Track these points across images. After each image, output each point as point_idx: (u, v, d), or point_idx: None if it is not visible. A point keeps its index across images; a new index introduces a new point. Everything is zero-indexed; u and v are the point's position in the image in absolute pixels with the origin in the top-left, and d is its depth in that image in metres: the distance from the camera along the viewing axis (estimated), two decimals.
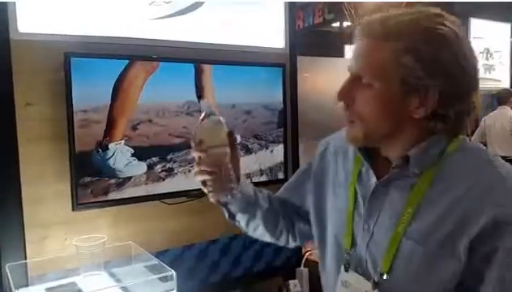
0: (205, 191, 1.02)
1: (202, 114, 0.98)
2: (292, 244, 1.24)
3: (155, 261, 1.87)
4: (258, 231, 1.17)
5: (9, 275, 1.72)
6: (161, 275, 1.76)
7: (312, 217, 1.13)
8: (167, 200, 2.10)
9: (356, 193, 0.99)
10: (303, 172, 1.21)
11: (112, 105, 1.90)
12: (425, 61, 0.83)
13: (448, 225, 0.84)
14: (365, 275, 0.94)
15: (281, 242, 1.22)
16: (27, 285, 1.81)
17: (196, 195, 2.13)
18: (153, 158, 2.03)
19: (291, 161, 2.50)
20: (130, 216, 2.07)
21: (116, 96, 1.91)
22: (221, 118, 0.99)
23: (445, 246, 0.84)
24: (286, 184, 1.25)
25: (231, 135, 1.00)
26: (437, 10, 0.88)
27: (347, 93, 0.90)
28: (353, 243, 0.97)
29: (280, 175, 2.39)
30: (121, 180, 1.94)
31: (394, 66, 0.84)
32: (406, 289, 0.89)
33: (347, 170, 1.05)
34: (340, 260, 1.00)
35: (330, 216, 1.07)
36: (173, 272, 1.72)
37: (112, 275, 1.90)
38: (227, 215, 1.13)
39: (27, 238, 1.84)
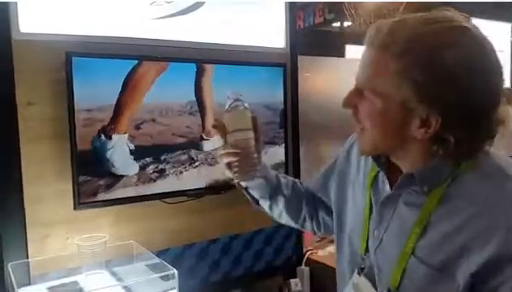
0: (229, 174, 1.05)
1: (229, 101, 1.04)
2: (318, 233, 1.27)
3: (157, 260, 1.88)
4: (283, 217, 1.21)
5: (11, 274, 1.72)
6: (162, 274, 1.77)
7: (333, 212, 1.15)
8: (168, 200, 2.10)
9: (370, 198, 0.99)
10: (329, 167, 1.22)
11: (120, 99, 1.92)
12: (426, 88, 0.76)
13: (450, 248, 0.81)
14: (373, 282, 0.94)
15: (307, 229, 1.25)
16: (29, 284, 1.82)
17: (197, 194, 2.14)
18: (147, 158, 2.02)
19: (291, 161, 2.50)
20: (132, 216, 2.08)
21: (125, 90, 1.93)
22: (246, 104, 1.05)
23: (445, 268, 0.82)
24: (316, 177, 1.26)
25: (254, 119, 1.05)
26: (462, 20, 0.78)
27: (351, 102, 0.88)
28: (367, 248, 0.98)
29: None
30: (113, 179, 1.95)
31: (395, 88, 0.79)
32: None
33: (365, 172, 1.05)
34: (353, 262, 1.01)
35: (348, 214, 1.08)
36: (175, 271, 1.73)
37: (113, 274, 1.90)
38: (250, 199, 1.17)
39: (29, 237, 1.85)
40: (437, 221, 0.83)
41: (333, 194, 1.16)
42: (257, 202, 1.18)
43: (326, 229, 1.24)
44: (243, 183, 1.12)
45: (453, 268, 0.81)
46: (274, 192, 1.15)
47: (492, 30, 5.78)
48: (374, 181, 0.99)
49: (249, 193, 1.16)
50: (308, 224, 1.24)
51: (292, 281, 2.54)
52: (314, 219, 1.23)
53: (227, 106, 1.04)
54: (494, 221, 0.77)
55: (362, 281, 0.96)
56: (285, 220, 1.22)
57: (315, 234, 1.29)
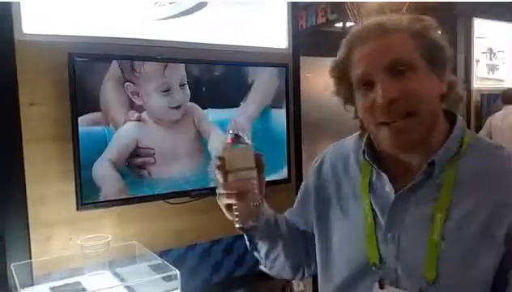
0: (229, 216, 0.98)
1: (229, 136, 0.95)
2: (306, 275, 1.18)
3: (159, 261, 1.88)
4: (278, 262, 1.11)
5: (14, 274, 1.72)
6: (165, 274, 1.77)
7: (316, 236, 1.09)
8: (171, 200, 2.10)
9: (371, 205, 0.96)
10: (302, 195, 1.16)
11: None
12: (431, 38, 0.89)
13: (481, 217, 0.85)
14: (400, 287, 0.90)
15: (298, 275, 1.17)
16: (32, 285, 1.82)
17: (199, 194, 2.14)
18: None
19: (294, 161, 2.50)
20: (134, 216, 2.08)
21: None
22: (250, 142, 0.95)
23: (481, 237, 0.84)
24: (290, 210, 1.19)
25: (259, 157, 0.95)
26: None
27: (395, 89, 0.85)
28: (380, 257, 0.92)
29: (284, 175, 2.40)
30: None
31: (419, 61, 0.87)
32: (453, 290, 0.87)
33: (353, 182, 1.02)
34: (365, 279, 0.94)
35: (337, 231, 1.03)
36: (177, 272, 1.73)
37: (116, 274, 1.90)
38: (248, 244, 1.08)
39: (32, 238, 1.85)
40: (458, 198, 0.87)
41: (313, 213, 1.10)
42: (255, 246, 1.08)
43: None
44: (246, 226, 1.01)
45: (489, 233, 0.84)
46: (274, 233, 1.06)
47: (495, 30, 5.76)
48: (370, 187, 0.97)
49: (250, 235, 1.06)
50: (301, 267, 1.15)
51: (294, 282, 2.53)
52: (308, 257, 1.14)
53: (228, 141, 0.95)
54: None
55: None
56: (279, 264, 1.11)
57: (304, 276, 1.18)
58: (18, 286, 1.68)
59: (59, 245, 1.91)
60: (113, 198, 1.93)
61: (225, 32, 2.31)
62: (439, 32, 0.91)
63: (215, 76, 2.20)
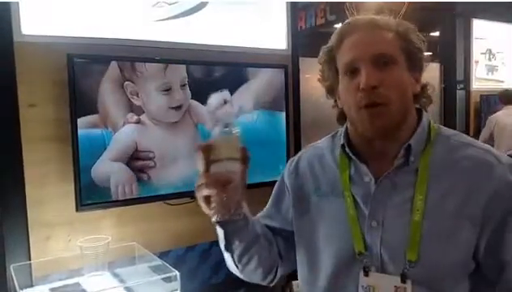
0: (206, 209, 0.94)
1: (219, 127, 0.96)
2: (277, 279, 1.18)
3: (159, 262, 1.88)
4: (251, 265, 1.09)
5: (14, 275, 1.73)
6: (165, 275, 1.77)
7: (296, 234, 1.09)
8: (170, 201, 2.10)
9: (353, 197, 0.99)
10: (278, 195, 1.17)
11: None
12: (413, 40, 0.98)
13: (458, 196, 0.92)
14: (386, 272, 0.94)
15: (269, 278, 1.16)
16: (31, 286, 1.82)
17: None
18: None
19: None
20: (134, 217, 2.08)
21: None
22: (237, 131, 0.92)
23: (460, 214, 0.91)
24: (262, 213, 1.19)
25: (244, 151, 0.93)
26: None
27: (376, 77, 0.92)
28: (365, 245, 0.96)
29: None
30: None
31: (400, 57, 0.96)
32: (434, 270, 0.91)
33: (330, 179, 1.05)
34: (351, 268, 0.97)
35: (321, 230, 1.04)
36: (177, 273, 1.73)
37: (115, 275, 1.90)
38: (223, 243, 1.04)
39: (32, 239, 1.85)
40: (434, 182, 0.94)
41: (292, 212, 1.10)
42: (229, 245, 1.04)
43: (292, 266, 1.15)
44: (224, 224, 0.99)
45: (466, 210, 0.91)
46: (250, 233, 1.04)
47: (494, 31, 5.77)
48: (350, 180, 1.01)
49: (226, 232, 1.02)
50: (274, 269, 1.14)
51: (295, 282, 2.53)
52: (282, 256, 1.13)
53: (217, 132, 0.94)
54: (480, 161, 0.94)
55: (374, 278, 0.95)
56: (252, 267, 1.09)
57: (272, 282, 1.18)
58: (17, 287, 1.68)
59: (58, 246, 1.91)
60: (112, 199, 1.93)
61: (224, 33, 2.32)
62: (420, 37, 1.00)
63: (215, 76, 2.20)
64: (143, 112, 2.00)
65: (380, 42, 0.95)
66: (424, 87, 1.02)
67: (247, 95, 2.28)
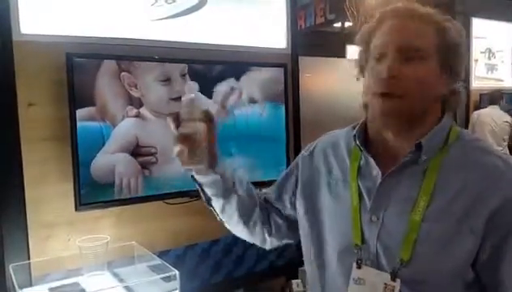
0: (181, 163, 1.06)
1: (185, 94, 1.07)
2: (267, 243, 1.24)
3: (158, 261, 1.88)
4: (233, 220, 1.17)
5: (13, 275, 1.72)
6: (164, 275, 1.76)
7: (303, 219, 1.12)
8: (169, 200, 2.10)
9: (359, 188, 1.00)
10: (284, 179, 1.22)
11: None
12: (453, 42, 0.95)
13: (463, 203, 0.89)
14: (380, 268, 0.94)
15: (255, 236, 1.22)
16: (30, 285, 1.82)
17: (198, 195, 2.13)
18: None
19: (293, 160, 2.50)
20: (133, 217, 2.08)
21: None
22: (194, 96, 1.10)
23: (462, 222, 0.89)
24: (271, 188, 1.26)
25: (208, 113, 1.04)
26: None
27: (397, 68, 0.92)
28: (363, 239, 0.97)
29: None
30: None
31: (432, 53, 0.93)
32: (425, 273, 0.91)
33: (342, 167, 1.07)
34: (347, 258, 0.99)
35: (328, 215, 1.06)
36: (176, 272, 1.73)
37: (115, 275, 1.90)
38: (203, 198, 1.15)
39: (31, 239, 1.85)
40: (442, 186, 0.92)
41: (300, 198, 1.14)
42: (209, 201, 1.15)
43: (277, 233, 1.22)
44: (198, 178, 1.11)
45: (469, 219, 0.88)
46: (228, 191, 1.13)
47: (494, 29, 5.77)
48: (359, 172, 1.02)
49: (203, 190, 1.13)
50: (258, 228, 1.20)
51: (294, 281, 2.53)
52: (265, 223, 1.20)
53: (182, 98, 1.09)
54: (495, 170, 0.92)
55: (365, 271, 0.96)
56: (234, 223, 1.18)
57: (265, 244, 1.24)
58: (16, 287, 1.68)
59: (58, 245, 1.91)
60: (111, 198, 1.93)
61: (224, 32, 2.31)
62: (463, 39, 0.97)
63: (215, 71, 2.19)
64: (143, 104, 1.98)
65: (413, 35, 0.94)
66: (453, 91, 0.98)
67: (246, 94, 2.27)
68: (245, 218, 1.17)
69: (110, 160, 1.92)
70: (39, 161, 1.85)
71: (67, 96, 1.81)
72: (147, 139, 2.00)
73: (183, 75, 2.07)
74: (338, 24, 6.70)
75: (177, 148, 1.03)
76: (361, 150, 1.02)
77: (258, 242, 1.24)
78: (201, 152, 1.05)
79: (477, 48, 5.60)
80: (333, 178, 1.08)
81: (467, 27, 5.45)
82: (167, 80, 2.02)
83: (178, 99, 2.02)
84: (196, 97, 1.11)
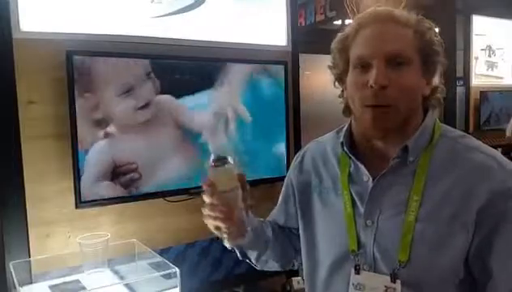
0: (217, 234, 1.03)
1: (212, 157, 0.97)
2: (296, 266, 1.23)
3: (159, 258, 1.88)
4: (269, 263, 1.17)
5: (13, 272, 1.72)
6: (165, 272, 1.77)
7: (300, 228, 1.13)
8: (170, 198, 2.10)
9: (351, 194, 1.00)
10: (286, 192, 1.20)
11: None
12: (431, 41, 0.94)
13: (454, 201, 0.90)
14: (378, 271, 0.94)
15: (288, 267, 1.23)
16: (31, 283, 1.82)
17: (199, 192, 2.13)
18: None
19: (293, 159, 2.50)
20: (133, 214, 2.08)
21: None
22: (232, 161, 0.97)
23: (454, 219, 0.90)
24: (274, 212, 1.24)
25: (241, 176, 0.99)
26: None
27: (386, 76, 0.90)
28: (359, 244, 0.97)
29: (283, 172, 2.39)
30: None
31: (415, 57, 0.93)
32: (424, 273, 0.91)
33: (332, 176, 1.06)
34: (345, 265, 0.99)
35: (320, 223, 1.07)
36: (177, 270, 1.73)
37: (115, 272, 1.90)
38: (239, 255, 1.13)
39: (31, 236, 1.85)
40: (431, 185, 0.93)
41: (298, 209, 1.14)
42: (244, 254, 1.14)
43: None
44: (236, 243, 1.07)
45: (461, 216, 0.89)
46: (261, 240, 1.11)
47: (494, 27, 5.76)
48: (349, 178, 1.02)
49: (238, 247, 1.11)
50: (293, 262, 1.21)
51: (295, 279, 2.54)
52: (291, 250, 1.19)
53: (211, 163, 0.97)
54: (482, 165, 0.92)
55: (365, 276, 0.96)
56: (271, 265, 1.18)
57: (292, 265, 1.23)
58: (16, 284, 1.68)
59: (58, 243, 1.91)
60: (111, 196, 1.93)
61: (224, 29, 2.31)
62: (439, 40, 0.96)
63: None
64: (109, 123, 1.90)
65: (396, 40, 0.92)
66: (434, 89, 0.98)
67: (245, 92, 2.27)
68: (280, 257, 1.17)
69: (93, 190, 1.88)
70: (39, 159, 1.85)
71: (67, 94, 1.81)
72: (123, 157, 1.94)
73: (147, 74, 1.97)
74: (338, 22, 6.69)
75: (215, 223, 1.00)
76: (350, 157, 1.02)
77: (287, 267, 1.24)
78: (242, 221, 0.99)
79: (477, 45, 5.58)
80: (324, 187, 1.08)
81: (468, 24, 5.44)
82: (128, 91, 1.93)
83: (146, 107, 1.96)
84: (233, 162, 0.98)
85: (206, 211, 0.98)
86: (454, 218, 0.90)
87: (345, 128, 1.05)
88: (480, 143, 0.98)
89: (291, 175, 1.18)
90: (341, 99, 1.05)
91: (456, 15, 5.07)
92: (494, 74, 5.84)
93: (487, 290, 0.92)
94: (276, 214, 1.22)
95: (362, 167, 0.99)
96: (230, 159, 0.97)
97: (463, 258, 0.91)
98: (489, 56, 5.79)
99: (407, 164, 0.95)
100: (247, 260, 1.16)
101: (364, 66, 0.93)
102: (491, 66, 5.82)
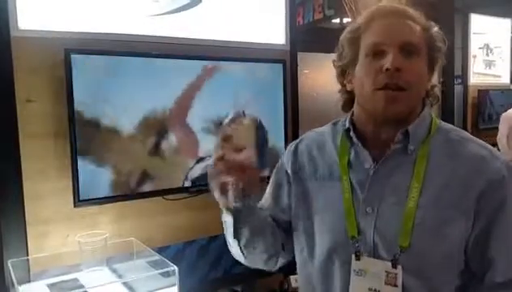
0: (218, 196, 0.95)
1: (232, 114, 0.93)
2: (278, 265, 1.18)
3: (157, 257, 1.88)
4: (256, 251, 1.09)
5: (11, 271, 1.72)
6: (163, 270, 1.77)
7: (295, 217, 1.10)
8: (168, 196, 2.10)
9: (350, 182, 1.02)
10: (276, 182, 1.17)
11: None
12: (436, 37, 1.00)
13: (454, 189, 0.94)
14: (378, 257, 0.96)
15: (270, 265, 1.17)
16: (29, 281, 1.82)
17: (198, 191, 2.14)
18: None
19: None
20: (132, 213, 2.08)
21: None
22: (250, 119, 0.94)
23: (454, 207, 0.93)
24: (264, 202, 1.17)
25: (261, 133, 1.01)
26: None
27: (400, 62, 0.94)
28: (359, 230, 0.98)
29: None
30: None
31: (423, 49, 0.98)
32: (424, 258, 0.94)
33: (329, 163, 1.08)
34: (344, 251, 0.99)
35: (316, 211, 1.07)
36: (175, 268, 1.73)
37: (114, 271, 1.90)
38: (231, 230, 1.04)
39: (29, 235, 1.84)
40: (432, 173, 0.96)
41: (293, 197, 1.11)
42: (237, 231, 1.04)
43: (291, 254, 1.16)
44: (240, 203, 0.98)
45: (461, 203, 0.93)
46: (257, 219, 1.06)
47: (492, 26, 5.77)
48: (349, 165, 1.03)
49: (235, 221, 1.02)
50: (278, 255, 1.15)
51: (292, 277, 2.54)
52: (286, 243, 1.14)
53: (230, 117, 0.93)
54: (477, 156, 0.97)
55: (365, 262, 0.97)
56: (259, 251, 1.10)
57: (275, 267, 1.18)
58: (15, 283, 1.68)
59: (56, 242, 1.91)
60: (110, 194, 1.93)
61: (222, 28, 2.31)
62: (442, 39, 1.03)
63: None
64: None
65: (409, 31, 0.97)
66: (432, 86, 1.04)
67: (244, 91, 2.27)
68: (268, 250, 1.11)
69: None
70: (37, 157, 1.85)
71: (65, 92, 1.81)
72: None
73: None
74: (336, 20, 6.69)
75: (223, 179, 0.92)
76: (352, 144, 1.04)
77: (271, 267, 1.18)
78: (256, 180, 0.94)
79: (475, 44, 5.59)
80: (318, 175, 1.09)
81: (466, 23, 5.45)
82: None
83: None
84: (247, 119, 0.94)
85: (217, 165, 0.92)
86: (454, 206, 0.93)
87: (347, 118, 1.07)
88: (471, 135, 1.04)
89: (285, 165, 1.16)
90: (339, 95, 1.09)
91: (454, 13, 5.09)
92: (492, 72, 5.85)
93: (485, 281, 0.94)
94: (267, 205, 1.17)
95: (365, 152, 1.01)
96: (249, 118, 0.94)
97: (463, 246, 0.94)
98: (487, 54, 5.80)
99: (407, 152, 0.98)
100: (232, 242, 1.08)
101: (378, 53, 0.96)
102: (489, 64, 5.82)
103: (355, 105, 1.06)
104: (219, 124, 0.98)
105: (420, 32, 0.98)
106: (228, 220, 1.04)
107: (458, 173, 0.95)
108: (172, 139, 2.07)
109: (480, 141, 1.02)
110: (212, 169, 0.93)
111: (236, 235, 1.05)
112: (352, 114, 1.07)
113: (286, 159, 1.17)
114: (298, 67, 2.62)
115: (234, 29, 2.35)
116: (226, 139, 0.92)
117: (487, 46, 5.78)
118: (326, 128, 1.15)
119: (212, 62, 2.17)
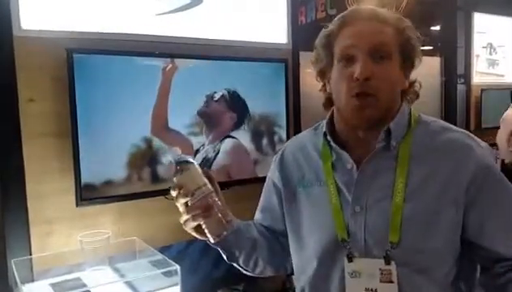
0: (201, 237, 1.03)
1: (173, 163, 0.99)
2: (289, 269, 1.19)
3: (160, 256, 1.88)
4: (259, 266, 1.15)
5: (15, 270, 1.73)
6: (165, 270, 1.77)
7: (288, 225, 1.12)
8: (170, 196, 2.10)
9: (336, 184, 1.02)
10: (268, 192, 1.19)
11: None
12: (409, 37, 1.00)
13: (440, 179, 0.95)
14: (370, 256, 0.96)
15: (282, 270, 1.21)
16: (32, 281, 1.82)
17: None
18: None
19: None
20: (134, 212, 2.08)
21: None
22: (191, 160, 0.99)
23: (442, 196, 0.94)
24: (258, 213, 1.22)
25: (207, 172, 1.01)
26: None
27: (371, 69, 0.94)
28: (348, 232, 0.98)
29: None
30: None
31: (395, 52, 0.98)
32: (415, 252, 0.94)
33: (314, 169, 1.08)
34: (336, 255, 0.99)
35: (306, 218, 1.07)
36: (178, 267, 1.73)
37: (116, 270, 1.91)
38: (225, 257, 1.11)
39: (32, 234, 1.85)
40: (415, 166, 0.97)
41: (284, 205, 1.13)
42: (232, 257, 1.11)
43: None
44: (222, 240, 1.04)
45: (447, 193, 0.94)
46: (247, 239, 1.11)
47: (495, 25, 5.75)
48: (333, 168, 1.04)
49: (226, 247, 1.09)
50: (284, 262, 1.18)
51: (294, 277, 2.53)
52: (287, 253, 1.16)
53: (174, 169, 0.99)
54: (460, 144, 0.98)
55: (358, 263, 0.97)
56: (261, 266, 1.16)
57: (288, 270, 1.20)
58: (18, 282, 1.68)
59: (59, 241, 1.91)
60: (112, 194, 1.93)
61: (224, 27, 2.31)
62: (417, 36, 1.02)
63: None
64: None
65: (379, 36, 0.97)
66: (412, 83, 1.04)
67: (246, 89, 2.27)
68: (271, 256, 1.15)
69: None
70: (40, 157, 1.86)
71: (68, 92, 1.81)
72: None
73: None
74: None
75: (194, 224, 0.99)
76: (331, 147, 1.04)
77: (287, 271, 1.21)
78: (223, 213, 0.98)
79: (478, 43, 5.57)
80: (306, 182, 1.09)
81: (469, 21, 5.43)
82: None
83: None
84: (194, 161, 1.00)
85: (183, 216, 0.99)
86: (442, 195, 0.94)
87: (326, 120, 1.08)
88: (450, 124, 1.05)
89: (272, 176, 1.17)
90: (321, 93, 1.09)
91: (457, 12, 5.07)
92: (495, 72, 5.83)
93: (485, 268, 0.97)
94: (261, 218, 1.21)
95: (345, 154, 1.02)
96: (191, 159, 0.99)
97: (458, 233, 0.95)
98: (490, 54, 5.78)
99: (390, 149, 0.99)
100: (237, 265, 1.14)
101: (349, 59, 0.96)
102: (492, 63, 5.80)
103: (334, 107, 1.06)
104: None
105: (391, 34, 0.97)
106: (219, 248, 1.09)
107: (442, 163, 0.96)
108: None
109: (460, 129, 1.03)
110: (182, 221, 1.01)
111: (232, 260, 1.11)
112: (332, 115, 1.07)
113: (272, 171, 1.18)
114: (300, 66, 2.62)
115: (236, 28, 2.35)
116: (178, 188, 0.97)
117: (490, 45, 5.76)
118: (306, 133, 1.17)
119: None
